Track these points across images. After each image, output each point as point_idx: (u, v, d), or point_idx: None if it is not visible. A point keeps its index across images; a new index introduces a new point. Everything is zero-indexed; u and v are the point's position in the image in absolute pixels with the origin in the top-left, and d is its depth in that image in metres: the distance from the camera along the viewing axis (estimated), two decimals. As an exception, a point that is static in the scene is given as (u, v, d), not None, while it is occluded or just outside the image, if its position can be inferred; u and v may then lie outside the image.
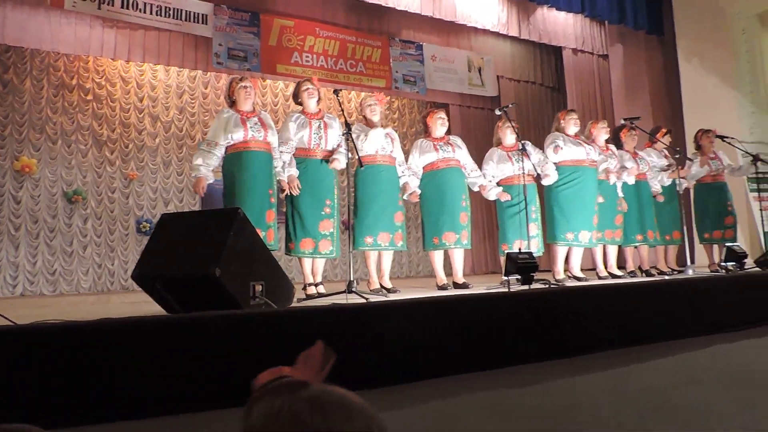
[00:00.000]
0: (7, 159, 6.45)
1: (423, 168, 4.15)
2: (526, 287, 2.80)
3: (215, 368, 1.49)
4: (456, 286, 4.04)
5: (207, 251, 1.89)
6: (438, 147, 4.14)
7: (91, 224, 6.89)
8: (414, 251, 8.78)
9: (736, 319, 2.45)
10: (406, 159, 4.18)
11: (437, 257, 4.17)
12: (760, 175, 6.46)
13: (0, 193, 6.40)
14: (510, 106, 4.21)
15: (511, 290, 2.20)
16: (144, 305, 3.11)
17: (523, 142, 4.03)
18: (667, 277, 4.22)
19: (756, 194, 6.71)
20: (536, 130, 8.52)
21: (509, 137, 4.25)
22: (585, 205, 4.28)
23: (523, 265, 2.84)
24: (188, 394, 1.43)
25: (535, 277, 2.94)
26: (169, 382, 1.40)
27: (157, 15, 6.31)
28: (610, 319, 2.10)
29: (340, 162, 3.64)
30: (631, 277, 4.67)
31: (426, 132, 4.27)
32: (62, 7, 5.83)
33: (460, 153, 4.19)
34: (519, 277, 2.88)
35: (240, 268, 1.97)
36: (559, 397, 1.99)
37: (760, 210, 6.76)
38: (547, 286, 2.90)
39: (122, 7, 6.09)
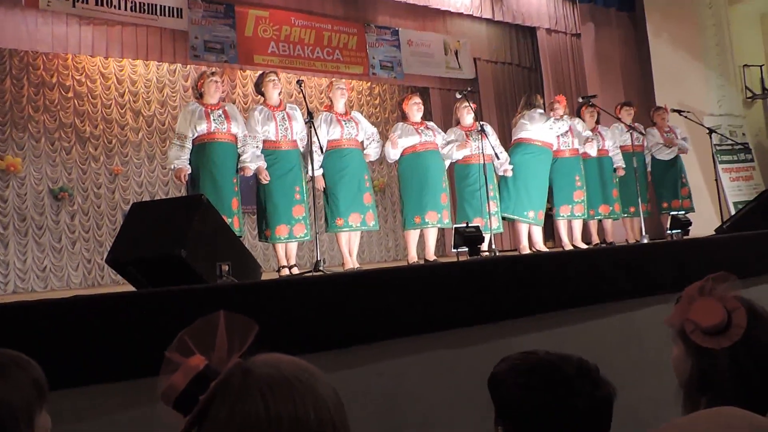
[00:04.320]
0: (-9, 159, 6.57)
1: (403, 150, 4.34)
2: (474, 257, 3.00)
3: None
4: (426, 262, 4.24)
5: (174, 234, 2.07)
6: (419, 131, 4.34)
7: (79, 220, 7.02)
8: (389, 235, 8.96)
9: (672, 281, 2.65)
10: (385, 140, 4.40)
11: (413, 236, 4.36)
12: (726, 147, 6.68)
13: (-14, 193, 6.52)
14: (469, 90, 4.40)
15: (459, 260, 2.40)
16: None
17: (481, 123, 4.22)
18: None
19: (724, 166, 6.92)
20: (514, 110, 8.67)
21: (467, 118, 4.45)
22: (539, 185, 4.53)
23: (470, 237, 3.03)
24: (155, 358, 1.62)
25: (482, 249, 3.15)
26: (138, 348, 1.58)
27: (132, 11, 6.39)
28: (548, 284, 2.30)
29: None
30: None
31: (404, 118, 4.45)
32: (37, 6, 5.91)
33: (439, 137, 4.42)
34: (467, 248, 3.08)
35: (206, 250, 2.15)
36: (499, 356, 2.18)
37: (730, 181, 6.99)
38: (492, 255, 3.10)
39: (97, 4, 6.18)
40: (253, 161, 3.75)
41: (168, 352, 0.74)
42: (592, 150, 4.90)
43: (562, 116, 4.75)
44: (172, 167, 3.72)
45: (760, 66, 7.63)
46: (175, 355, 0.71)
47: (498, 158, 4.35)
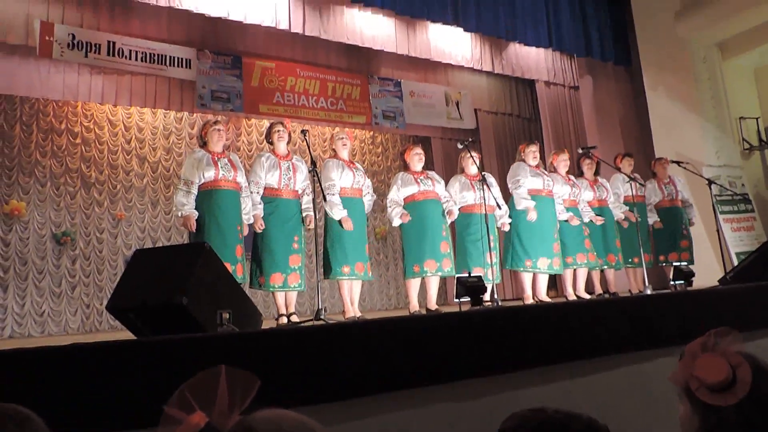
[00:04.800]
0: (-4, 203, 6.62)
1: (404, 200, 4.38)
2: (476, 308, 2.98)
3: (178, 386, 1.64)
4: (428, 312, 4.20)
5: (175, 282, 2.06)
6: (418, 180, 4.37)
7: (80, 264, 7.01)
8: (391, 283, 8.91)
9: (677, 333, 2.62)
10: (386, 192, 4.43)
11: (414, 285, 4.34)
12: (726, 197, 6.73)
13: (-11, 237, 6.54)
14: (471, 140, 4.48)
15: (462, 310, 2.38)
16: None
17: (483, 173, 4.27)
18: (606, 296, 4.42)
19: (725, 216, 6.95)
20: (513, 160, 8.78)
21: (471, 168, 4.51)
22: (543, 234, 4.51)
23: (472, 288, 3.02)
24: (154, 409, 1.58)
25: (485, 299, 3.13)
26: (138, 398, 1.55)
27: (142, 61, 6.58)
28: (553, 335, 2.27)
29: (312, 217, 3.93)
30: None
31: (405, 167, 4.50)
32: (50, 56, 6.09)
33: (438, 187, 4.44)
34: (469, 298, 3.06)
35: (207, 297, 2.14)
36: (503, 409, 2.14)
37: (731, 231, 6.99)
38: (494, 305, 3.08)
39: (108, 54, 6.37)
40: (248, 214, 3.81)
41: (168, 406, 0.72)
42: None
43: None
44: (179, 214, 3.68)
45: (756, 118, 7.76)
46: (175, 411, 0.69)
47: (500, 208, 4.38)
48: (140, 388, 1.52)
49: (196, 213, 3.65)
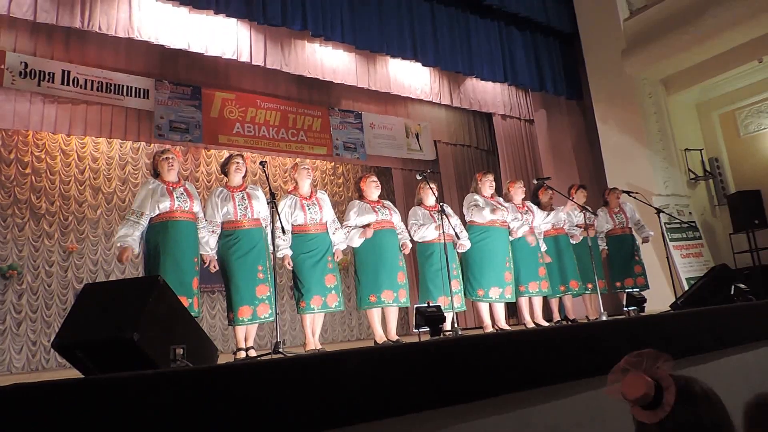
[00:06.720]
0: (-63, 236, 6.31)
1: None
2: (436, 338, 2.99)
3: (130, 428, 1.57)
4: (388, 343, 4.17)
5: (126, 317, 2.00)
6: (376, 209, 4.36)
7: (27, 299, 6.71)
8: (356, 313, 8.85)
9: (631, 358, 2.68)
10: (341, 220, 4.39)
11: (375, 315, 4.29)
12: (675, 225, 7.00)
13: (-72, 272, 6.20)
14: (429, 171, 4.54)
15: (421, 341, 2.38)
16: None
17: (441, 204, 4.33)
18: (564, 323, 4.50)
19: (675, 243, 7.21)
20: (473, 190, 8.94)
21: (430, 198, 4.56)
22: (494, 264, 4.58)
23: (431, 318, 3.02)
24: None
25: (443, 329, 3.14)
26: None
27: (98, 90, 6.47)
28: (510, 363, 2.29)
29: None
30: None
31: (360, 196, 4.48)
32: (1, 84, 5.92)
33: (395, 216, 4.45)
34: (428, 328, 3.06)
35: (160, 333, 2.07)
36: (464, 439, 2.12)
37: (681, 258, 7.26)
38: (454, 334, 3.09)
39: (63, 83, 6.24)
40: (208, 244, 3.78)
41: None
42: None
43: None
44: (119, 245, 3.55)
45: (700, 150, 8.16)
46: None
47: (459, 238, 4.43)
48: (87, 430, 1.45)
49: (136, 248, 3.56)
